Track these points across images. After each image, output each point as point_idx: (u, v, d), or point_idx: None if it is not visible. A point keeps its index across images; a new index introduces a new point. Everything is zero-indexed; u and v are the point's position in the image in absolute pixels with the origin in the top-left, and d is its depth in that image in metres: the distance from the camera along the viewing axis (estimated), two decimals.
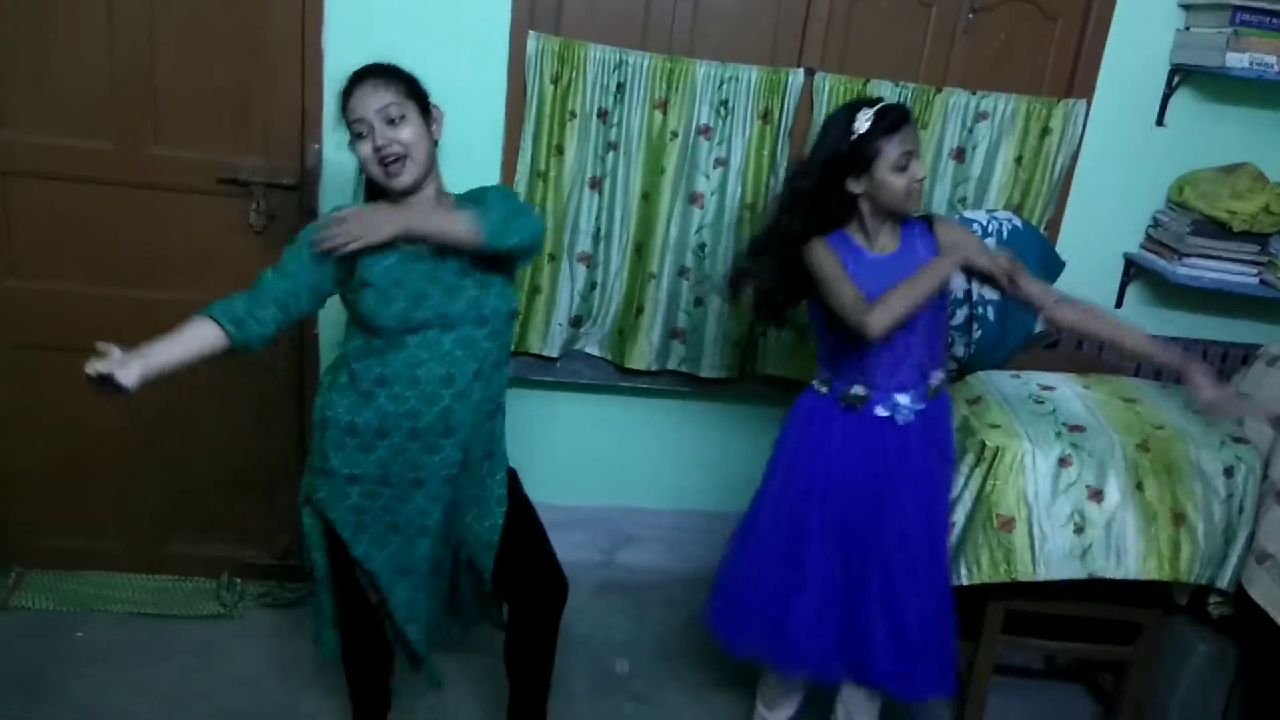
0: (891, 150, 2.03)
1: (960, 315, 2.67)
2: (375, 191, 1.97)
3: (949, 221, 2.24)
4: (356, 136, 1.87)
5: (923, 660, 2.22)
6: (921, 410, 2.19)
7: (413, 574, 2.03)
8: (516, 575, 2.17)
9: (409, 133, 1.86)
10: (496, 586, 2.17)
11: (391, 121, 1.85)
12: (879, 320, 1.99)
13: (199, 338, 1.89)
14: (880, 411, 2.18)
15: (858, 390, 2.17)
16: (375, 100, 1.85)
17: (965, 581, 2.46)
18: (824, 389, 2.23)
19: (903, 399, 2.17)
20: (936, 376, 2.21)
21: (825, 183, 2.11)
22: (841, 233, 2.17)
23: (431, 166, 1.94)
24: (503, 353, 2.03)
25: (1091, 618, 2.64)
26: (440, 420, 1.94)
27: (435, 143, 1.94)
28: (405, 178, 1.87)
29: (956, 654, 2.34)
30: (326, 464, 1.96)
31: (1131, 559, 2.44)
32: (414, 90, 1.91)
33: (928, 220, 2.20)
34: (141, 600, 2.85)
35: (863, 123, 2.04)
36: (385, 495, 1.98)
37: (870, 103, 2.08)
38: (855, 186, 2.08)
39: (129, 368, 1.78)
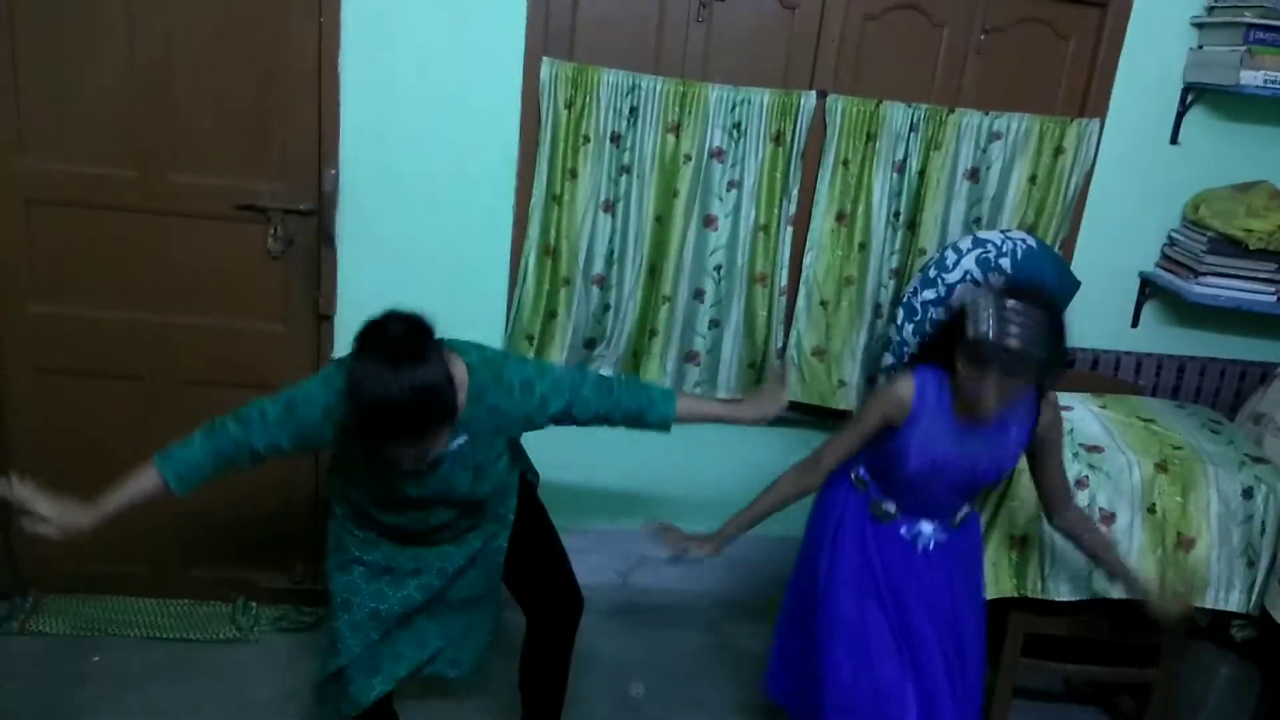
0: (974, 370, 1.89)
1: None
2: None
3: (1057, 407, 2.11)
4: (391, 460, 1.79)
5: None
6: (944, 542, 2.17)
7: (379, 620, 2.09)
8: (532, 589, 2.19)
9: (439, 444, 1.79)
10: (517, 596, 2.25)
11: (426, 455, 1.79)
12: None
13: (142, 488, 2.00)
14: (903, 533, 2.16)
15: (887, 507, 2.16)
16: (413, 455, 1.76)
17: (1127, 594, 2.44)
18: (860, 488, 2.20)
19: (926, 527, 2.15)
20: (965, 510, 2.18)
21: (948, 332, 2.00)
22: (943, 376, 2.02)
23: None
24: (498, 497, 2.08)
25: (1111, 640, 2.62)
26: (413, 562, 2.06)
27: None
28: (428, 466, 1.86)
29: None
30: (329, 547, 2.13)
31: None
32: (439, 415, 1.73)
33: (1041, 393, 2.05)
34: (158, 625, 2.85)
35: (984, 319, 1.87)
36: (383, 582, 2.08)
37: (1015, 307, 1.86)
38: (959, 361, 1.95)
39: (73, 515, 1.95)
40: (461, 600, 2.18)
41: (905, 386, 2.04)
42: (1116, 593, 2.37)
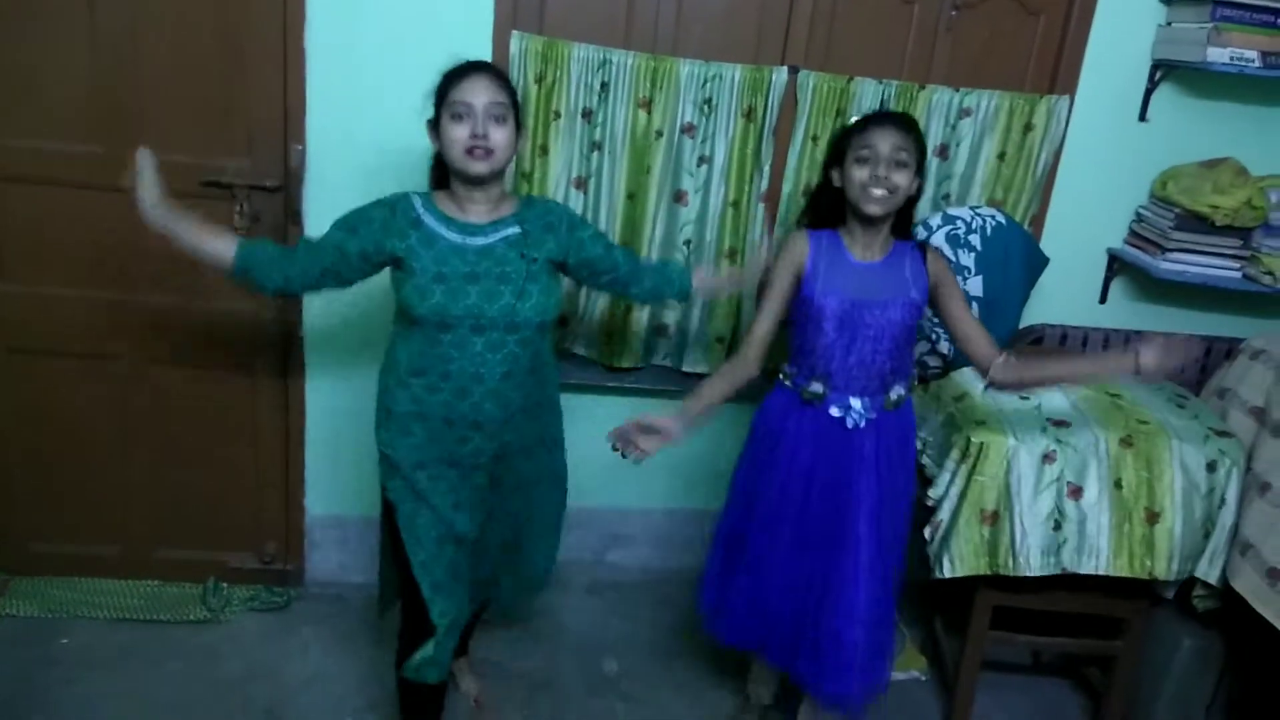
0: (860, 141, 2.09)
1: None
2: (439, 179, 2.09)
3: (941, 256, 2.25)
4: (454, 117, 1.93)
5: (853, 671, 2.21)
6: (874, 420, 2.19)
7: (447, 542, 2.10)
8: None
9: (503, 136, 1.95)
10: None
11: (494, 119, 1.93)
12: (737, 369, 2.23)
13: (215, 248, 2.01)
14: (834, 411, 2.19)
15: (815, 387, 2.19)
16: (488, 94, 1.93)
17: (948, 574, 2.48)
18: (787, 382, 2.26)
19: (856, 403, 2.18)
20: (898, 390, 2.22)
21: (823, 175, 2.22)
22: (835, 233, 2.21)
23: (505, 172, 2.05)
24: (537, 359, 2.09)
25: (1078, 612, 2.66)
26: (472, 413, 2.03)
27: (514, 155, 2.04)
28: (483, 166, 1.94)
29: (890, 662, 2.35)
30: (380, 449, 2.12)
31: (1103, 556, 2.47)
32: (516, 104, 2.00)
33: (923, 248, 2.23)
34: (128, 606, 2.83)
35: (852, 118, 2.10)
36: (421, 478, 2.07)
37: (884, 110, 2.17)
38: (836, 178, 2.16)
39: (154, 203, 1.99)
40: (522, 521, 2.28)
41: (799, 237, 2.21)
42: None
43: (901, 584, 2.33)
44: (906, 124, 2.13)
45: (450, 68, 1.99)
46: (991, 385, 2.24)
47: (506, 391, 2.05)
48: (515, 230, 2.04)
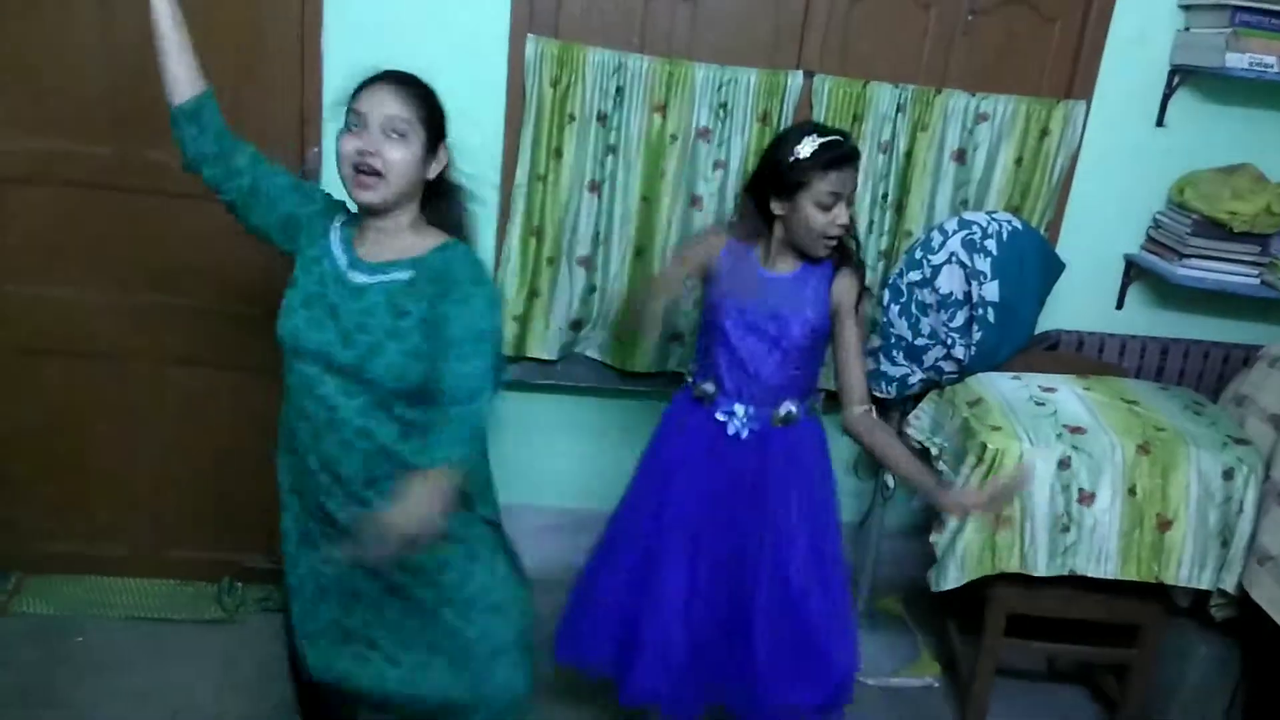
0: (823, 186, 2.00)
1: (960, 317, 2.67)
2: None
3: (855, 282, 2.14)
4: (348, 129, 1.71)
5: (792, 683, 2.15)
6: (758, 432, 2.15)
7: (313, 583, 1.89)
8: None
9: (400, 154, 1.69)
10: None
11: (390, 135, 1.68)
12: None
13: (184, 63, 1.81)
14: (719, 415, 2.17)
15: (706, 387, 2.18)
16: (387, 107, 1.69)
17: (954, 584, 2.47)
18: (688, 378, 2.25)
19: (740, 410, 2.15)
20: (788, 406, 2.15)
21: (755, 189, 2.11)
22: (747, 246, 2.16)
23: (410, 198, 1.76)
24: (389, 373, 1.70)
25: (1092, 619, 2.64)
26: (329, 460, 1.76)
27: (426, 180, 1.77)
28: (370, 195, 1.69)
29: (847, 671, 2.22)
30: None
31: (1112, 561, 2.46)
32: (431, 120, 1.74)
33: (838, 266, 2.13)
34: (142, 605, 2.85)
35: (806, 148, 2.00)
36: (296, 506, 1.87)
37: (824, 131, 2.04)
38: (777, 207, 2.06)
39: None
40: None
41: (718, 234, 2.21)
42: (910, 494, 2.41)
43: (836, 607, 2.21)
44: (858, 157, 2.06)
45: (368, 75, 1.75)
46: (844, 427, 2.18)
47: (370, 456, 1.72)
48: (403, 277, 1.72)
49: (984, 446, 2.45)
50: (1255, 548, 2.46)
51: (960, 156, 2.85)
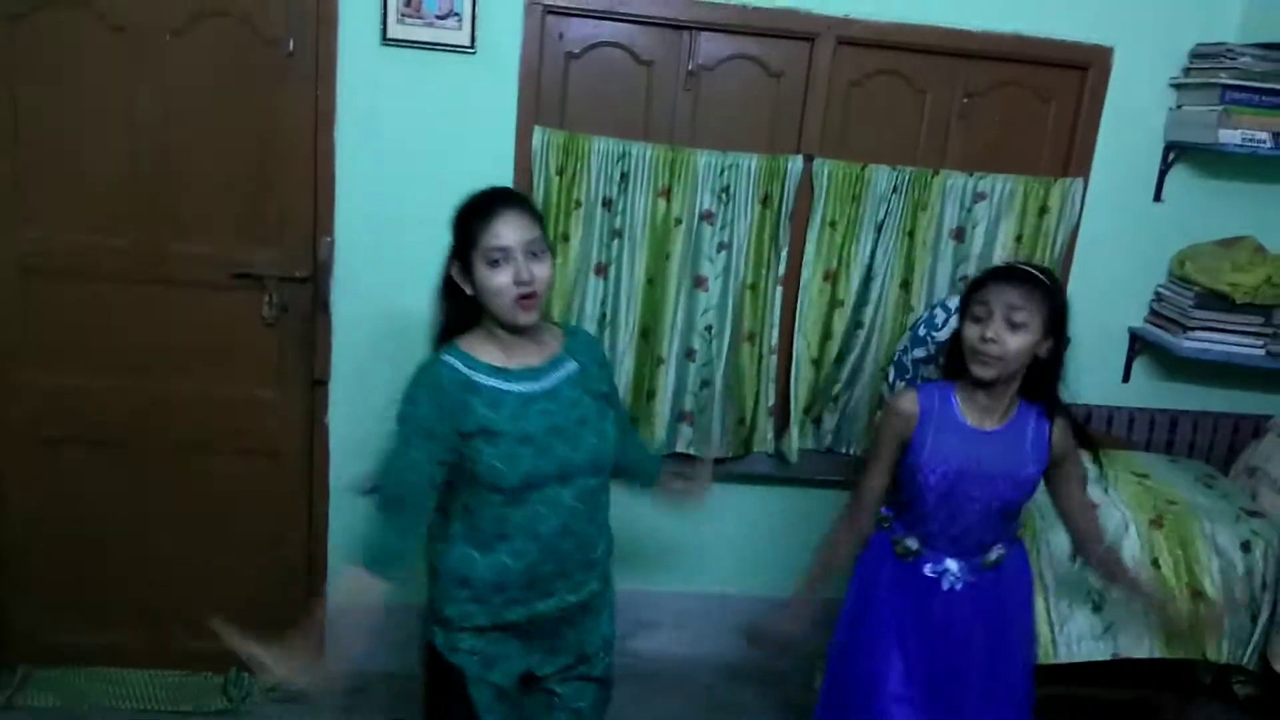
0: (973, 299, 1.98)
1: None
2: (455, 320, 1.83)
3: (1069, 428, 2.06)
4: (490, 264, 1.72)
5: None
6: (974, 584, 2.08)
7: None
8: None
9: (545, 271, 1.75)
10: None
11: (533, 255, 1.73)
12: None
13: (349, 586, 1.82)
14: (928, 572, 2.08)
15: (910, 543, 2.09)
16: (523, 232, 1.72)
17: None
18: (885, 525, 2.15)
19: (953, 565, 2.07)
20: (996, 551, 2.09)
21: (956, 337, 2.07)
22: (950, 387, 2.06)
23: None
24: (607, 492, 1.92)
25: (1113, 700, 2.59)
26: (558, 569, 1.83)
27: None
28: (534, 315, 1.75)
29: None
30: (442, 614, 1.86)
31: (1152, 637, 2.41)
32: (543, 226, 1.81)
33: (1053, 415, 2.05)
34: (149, 696, 2.81)
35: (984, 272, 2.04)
36: (493, 639, 1.86)
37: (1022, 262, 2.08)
38: (961, 330, 2.03)
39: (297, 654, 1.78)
40: None
41: (907, 397, 2.07)
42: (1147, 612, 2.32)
43: None
44: (1028, 279, 1.94)
45: (471, 201, 1.78)
46: (1091, 565, 2.18)
47: (593, 537, 1.88)
48: (574, 367, 1.85)
49: None
50: (1276, 620, 2.42)
51: (959, 235, 2.89)
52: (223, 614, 2.90)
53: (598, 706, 2.04)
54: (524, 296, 1.72)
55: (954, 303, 2.72)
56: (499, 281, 1.72)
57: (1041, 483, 2.07)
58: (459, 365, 1.77)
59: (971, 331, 1.95)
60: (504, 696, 1.88)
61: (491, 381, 1.77)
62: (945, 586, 2.07)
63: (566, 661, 1.93)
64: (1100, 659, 2.42)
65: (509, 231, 1.72)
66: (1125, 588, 2.17)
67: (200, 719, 2.76)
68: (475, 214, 1.75)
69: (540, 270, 1.74)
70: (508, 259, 1.71)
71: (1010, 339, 1.91)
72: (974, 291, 1.98)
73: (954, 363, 2.06)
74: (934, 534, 2.06)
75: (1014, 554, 2.14)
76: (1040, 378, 2.00)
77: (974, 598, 2.09)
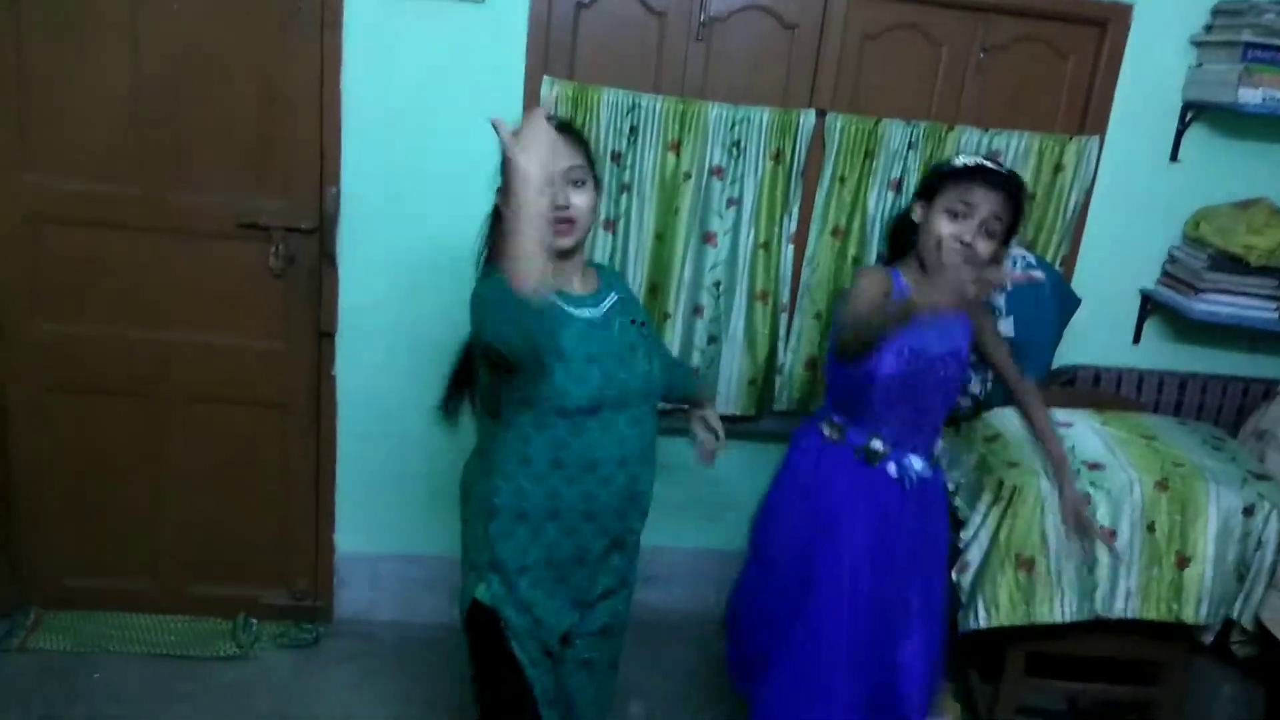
0: (953, 193, 1.92)
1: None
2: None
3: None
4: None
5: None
6: (928, 479, 2.09)
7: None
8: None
9: (585, 200, 1.78)
10: None
11: (574, 184, 1.76)
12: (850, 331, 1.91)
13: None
14: (892, 472, 2.06)
15: (876, 445, 2.06)
16: (566, 159, 1.73)
17: (984, 624, 2.44)
18: (834, 435, 2.12)
19: (916, 462, 2.06)
20: (939, 444, 2.14)
21: (908, 206, 2.08)
22: (897, 272, 2.06)
23: (587, 239, 1.86)
24: (655, 421, 1.92)
25: (1114, 658, 2.61)
26: (611, 503, 1.83)
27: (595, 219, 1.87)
28: (569, 240, 1.77)
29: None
30: (495, 555, 1.82)
31: (1132, 600, 2.43)
32: (591, 161, 1.82)
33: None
34: (159, 641, 2.85)
35: (961, 159, 1.98)
36: (548, 578, 1.85)
37: (992, 159, 2.03)
38: (916, 212, 2.01)
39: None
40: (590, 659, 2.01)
41: (881, 273, 2.03)
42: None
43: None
44: (1012, 189, 1.93)
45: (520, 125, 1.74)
46: (1016, 399, 2.26)
47: (643, 470, 1.88)
48: (615, 297, 1.89)
49: (1000, 483, 2.44)
50: (1276, 582, 2.43)
51: None
52: (229, 560, 2.96)
53: (610, 656, 2.07)
54: (560, 221, 1.74)
55: None
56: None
57: None
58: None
59: (948, 228, 1.91)
60: (548, 655, 1.89)
61: (557, 301, 1.75)
62: (907, 486, 2.06)
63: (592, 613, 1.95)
64: (1083, 619, 2.43)
65: (555, 156, 1.66)
66: (1040, 438, 2.26)
67: (209, 663, 2.80)
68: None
69: (579, 199, 1.76)
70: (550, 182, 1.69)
71: (983, 245, 1.91)
72: (953, 184, 1.92)
73: (900, 245, 2.06)
74: (895, 428, 2.04)
75: (942, 456, 2.21)
76: None
77: (922, 498, 2.10)
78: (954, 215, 1.91)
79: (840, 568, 2.09)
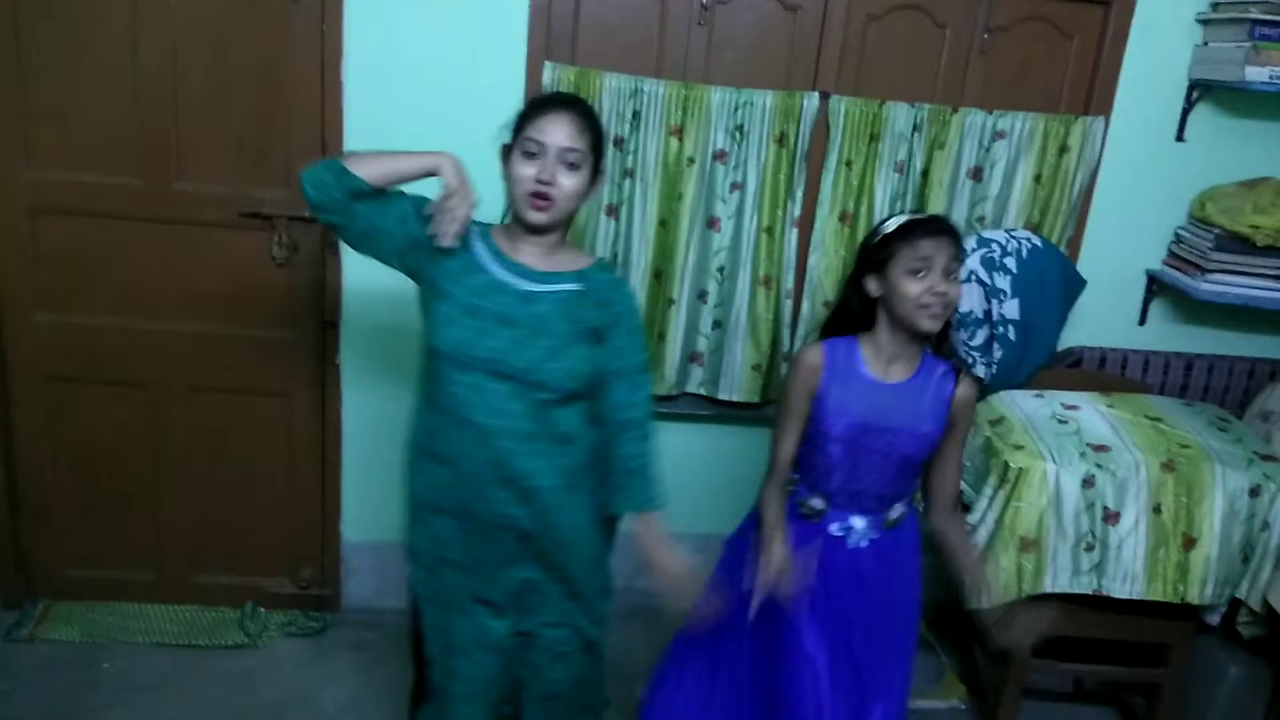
0: (908, 253, 1.92)
1: (980, 336, 2.66)
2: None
3: (972, 388, 2.06)
4: (525, 154, 1.77)
5: None
6: (877, 539, 2.07)
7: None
8: None
9: (574, 184, 1.79)
10: None
11: (567, 165, 1.77)
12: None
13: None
14: (834, 530, 2.06)
15: (815, 503, 2.07)
16: (567, 137, 1.77)
17: (986, 603, 2.44)
18: (789, 487, 2.11)
19: (859, 523, 2.05)
20: (897, 509, 2.08)
21: (853, 279, 2.05)
22: (852, 341, 2.03)
23: (570, 220, 1.87)
24: (573, 447, 1.86)
25: (1120, 639, 2.61)
26: (497, 475, 1.84)
27: (580, 205, 1.87)
28: (543, 217, 1.79)
29: None
30: (407, 495, 1.94)
31: (1138, 581, 2.43)
32: (597, 147, 1.83)
33: (958, 372, 2.04)
34: (167, 630, 2.87)
35: (891, 223, 1.98)
36: (441, 560, 1.94)
37: (916, 214, 2.03)
38: (874, 287, 1.98)
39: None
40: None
41: (813, 351, 2.04)
42: (973, 601, 2.19)
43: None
44: (948, 227, 1.97)
45: (538, 96, 1.82)
46: (932, 529, 2.13)
47: (536, 457, 1.84)
48: (573, 288, 1.85)
49: (1006, 466, 2.44)
50: None
51: (977, 174, 2.85)
52: (236, 550, 2.97)
53: (577, 667, 2.06)
54: (538, 195, 1.76)
55: (970, 243, 2.71)
56: (523, 171, 1.77)
57: None
58: (472, 230, 1.86)
59: (914, 287, 1.91)
60: (450, 611, 1.96)
61: (484, 256, 1.85)
62: (851, 545, 2.06)
63: (535, 608, 1.97)
64: (1082, 592, 2.44)
65: (554, 130, 1.76)
66: (961, 561, 2.10)
67: (218, 652, 2.81)
68: (533, 105, 1.82)
69: (567, 180, 1.78)
70: (542, 154, 1.76)
71: (951, 290, 1.92)
72: (901, 247, 1.92)
73: (856, 316, 2.03)
74: (838, 491, 2.04)
75: (910, 515, 2.12)
76: (944, 329, 1.99)
77: (876, 556, 2.08)
78: (916, 273, 1.92)
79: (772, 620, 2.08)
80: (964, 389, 2.03)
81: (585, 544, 1.96)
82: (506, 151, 1.83)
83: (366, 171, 1.78)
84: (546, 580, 1.96)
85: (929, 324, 1.93)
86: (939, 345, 2.07)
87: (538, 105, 1.82)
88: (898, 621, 2.14)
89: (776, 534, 2.02)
